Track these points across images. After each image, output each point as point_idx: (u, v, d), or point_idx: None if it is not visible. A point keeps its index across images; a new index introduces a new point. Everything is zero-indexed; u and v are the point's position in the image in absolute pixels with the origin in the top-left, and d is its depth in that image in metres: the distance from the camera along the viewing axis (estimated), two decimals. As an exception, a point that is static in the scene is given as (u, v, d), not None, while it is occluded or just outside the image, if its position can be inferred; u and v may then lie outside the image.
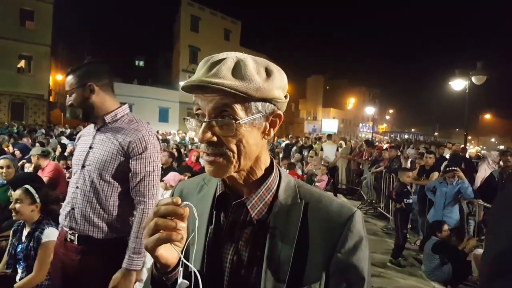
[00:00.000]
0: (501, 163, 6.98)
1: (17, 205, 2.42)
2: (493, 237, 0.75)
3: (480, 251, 3.81)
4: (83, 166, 1.79)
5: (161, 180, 4.69)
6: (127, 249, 1.70)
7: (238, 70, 0.67)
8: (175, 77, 30.18)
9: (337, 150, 11.62)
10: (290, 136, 15.86)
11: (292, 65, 41.83)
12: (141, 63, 41.44)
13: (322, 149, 10.77)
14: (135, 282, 1.75)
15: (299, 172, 8.16)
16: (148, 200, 1.75)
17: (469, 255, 4.07)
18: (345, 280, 0.69)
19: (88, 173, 1.75)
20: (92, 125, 1.92)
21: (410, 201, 5.15)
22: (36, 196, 2.49)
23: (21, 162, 5.78)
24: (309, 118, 50.88)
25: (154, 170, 1.79)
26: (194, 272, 0.64)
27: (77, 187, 1.78)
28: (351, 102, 54.90)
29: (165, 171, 5.44)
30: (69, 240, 1.76)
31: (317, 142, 12.56)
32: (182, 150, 9.67)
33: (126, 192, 1.78)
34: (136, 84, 28.65)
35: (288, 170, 7.26)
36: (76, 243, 1.74)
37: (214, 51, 0.80)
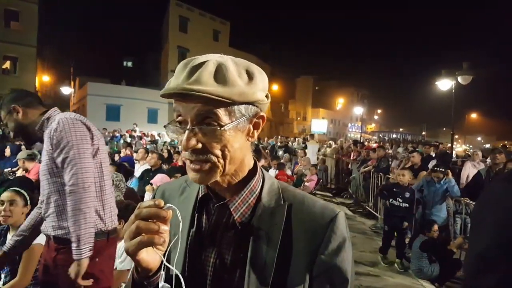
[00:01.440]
0: (488, 161, 7.11)
1: (11, 207, 2.39)
2: (476, 236, 0.76)
3: None
4: (41, 179, 1.89)
5: (149, 183, 4.65)
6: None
7: (220, 75, 0.64)
8: (164, 78, 29.92)
9: (319, 150, 11.85)
10: (274, 137, 16.20)
11: (281, 66, 42.09)
12: (130, 64, 40.80)
13: (306, 147, 11.00)
14: (122, 284, 1.74)
15: (289, 172, 8.18)
16: (70, 186, 1.70)
17: (456, 253, 4.13)
18: (328, 282, 0.69)
19: (42, 183, 1.86)
20: None
21: (396, 203, 4.91)
22: (28, 198, 2.49)
23: (16, 168, 5.75)
24: (298, 118, 51.11)
25: (68, 156, 1.73)
26: (177, 276, 0.63)
27: (43, 195, 1.89)
28: (340, 102, 55.30)
29: (154, 173, 5.38)
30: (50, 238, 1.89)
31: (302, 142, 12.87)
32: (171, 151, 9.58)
33: None
34: (125, 85, 28.26)
35: (278, 171, 7.29)
36: (53, 241, 1.85)
37: (203, 52, 0.77)
